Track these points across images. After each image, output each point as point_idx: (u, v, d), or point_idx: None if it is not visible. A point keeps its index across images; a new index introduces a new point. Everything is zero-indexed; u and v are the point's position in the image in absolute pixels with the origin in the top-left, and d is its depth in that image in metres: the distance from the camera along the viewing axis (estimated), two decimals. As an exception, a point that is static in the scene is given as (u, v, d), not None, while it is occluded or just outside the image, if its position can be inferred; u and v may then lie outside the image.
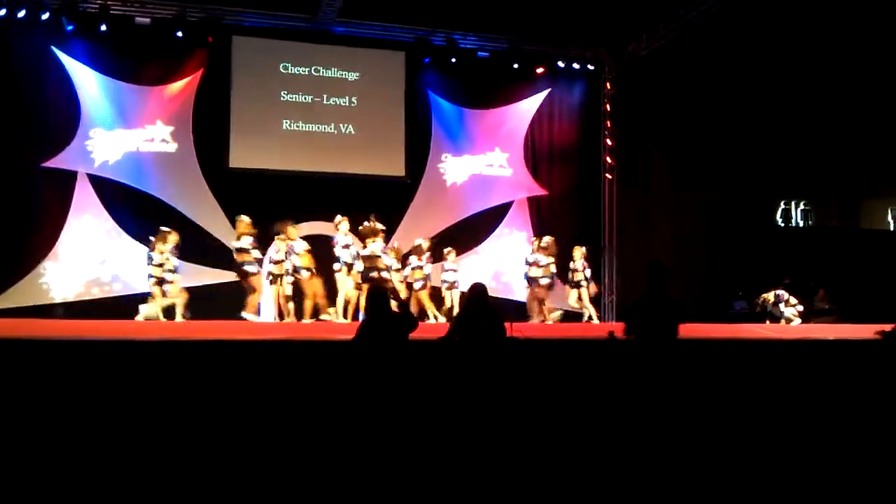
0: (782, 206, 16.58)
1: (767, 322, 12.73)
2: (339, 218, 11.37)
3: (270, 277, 10.92)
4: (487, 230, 14.17)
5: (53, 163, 12.32)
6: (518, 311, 12.40)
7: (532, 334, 7.72)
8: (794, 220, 16.58)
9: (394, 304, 6.19)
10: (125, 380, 6.40)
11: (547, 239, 12.40)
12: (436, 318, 11.72)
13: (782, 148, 15.75)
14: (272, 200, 12.63)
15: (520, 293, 13.22)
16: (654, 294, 5.35)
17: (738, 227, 15.52)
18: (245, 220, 10.84)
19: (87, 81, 12.54)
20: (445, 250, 12.38)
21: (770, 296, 12.90)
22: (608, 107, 14.72)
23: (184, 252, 11.64)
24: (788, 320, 12.57)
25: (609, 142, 14.69)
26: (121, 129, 12.67)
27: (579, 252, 12.28)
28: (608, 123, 14.72)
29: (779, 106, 15.33)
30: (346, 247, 11.18)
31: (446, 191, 14.10)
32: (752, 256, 15.19)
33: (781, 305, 12.71)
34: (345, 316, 11.03)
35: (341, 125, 13.54)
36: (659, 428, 5.10)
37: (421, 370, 6.05)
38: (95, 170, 12.53)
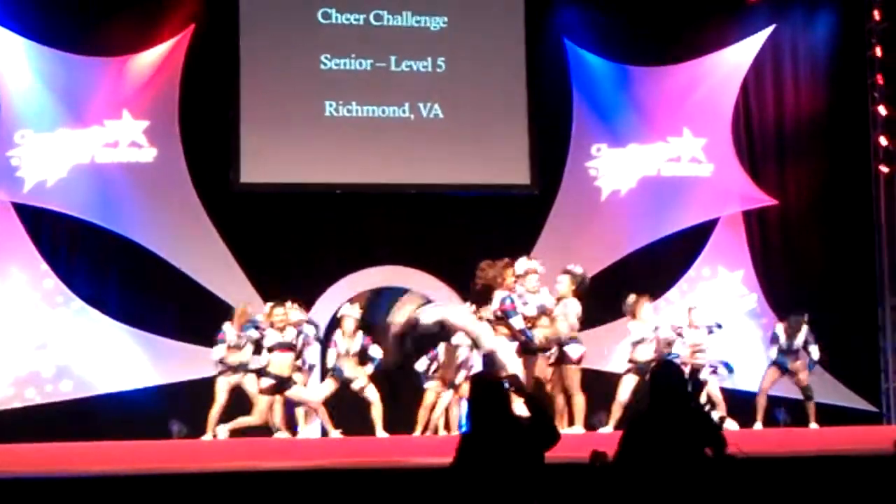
0: None
1: None
2: None
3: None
4: (674, 270, 14.17)
5: (-48, 188, 12.59)
6: (736, 407, 12.44)
7: (759, 450, 7.82)
8: None
9: (518, 402, 6.26)
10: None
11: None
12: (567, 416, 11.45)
13: None
14: (311, 236, 12.80)
15: (741, 378, 13.20)
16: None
17: None
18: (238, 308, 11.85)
19: (8, 53, 12.73)
20: (638, 306, 11.92)
21: None
22: (879, 51, 14.60)
23: (173, 324, 12.15)
24: None
25: (882, 111, 14.61)
26: (65, 128, 12.92)
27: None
28: (880, 80, 14.61)
29: None
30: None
31: (601, 206, 14.21)
32: None
33: None
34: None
35: (420, 105, 13.67)
36: None
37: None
38: (26, 196, 12.79)
